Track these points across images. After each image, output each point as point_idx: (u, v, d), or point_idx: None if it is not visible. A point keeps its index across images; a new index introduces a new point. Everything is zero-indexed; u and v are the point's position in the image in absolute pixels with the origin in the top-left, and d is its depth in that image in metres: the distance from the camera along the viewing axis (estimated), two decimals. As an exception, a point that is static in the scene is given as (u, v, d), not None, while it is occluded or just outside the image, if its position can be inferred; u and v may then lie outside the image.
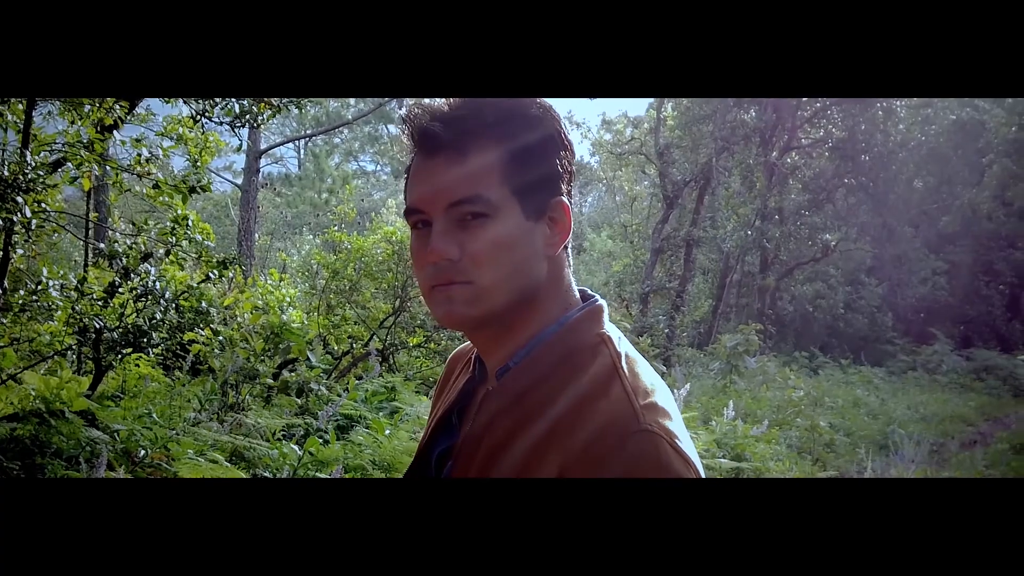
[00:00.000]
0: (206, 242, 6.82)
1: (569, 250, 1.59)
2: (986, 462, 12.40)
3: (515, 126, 1.54)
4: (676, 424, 1.41)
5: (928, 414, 17.44)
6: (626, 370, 1.45)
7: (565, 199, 1.54)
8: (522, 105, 1.58)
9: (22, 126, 5.84)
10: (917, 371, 26.00)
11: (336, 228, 11.67)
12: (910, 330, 32.75)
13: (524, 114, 1.56)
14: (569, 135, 1.59)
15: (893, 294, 33.14)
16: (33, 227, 5.65)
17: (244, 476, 5.59)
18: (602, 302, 1.60)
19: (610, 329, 1.55)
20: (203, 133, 7.06)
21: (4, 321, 6.20)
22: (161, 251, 6.74)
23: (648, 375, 1.48)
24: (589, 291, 1.63)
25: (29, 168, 5.53)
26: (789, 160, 28.75)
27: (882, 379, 23.60)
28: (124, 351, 6.55)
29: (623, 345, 1.53)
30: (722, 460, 9.34)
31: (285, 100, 7.49)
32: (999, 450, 13.42)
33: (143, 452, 5.71)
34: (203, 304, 7.08)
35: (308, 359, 8.97)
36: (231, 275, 7.58)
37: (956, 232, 34.56)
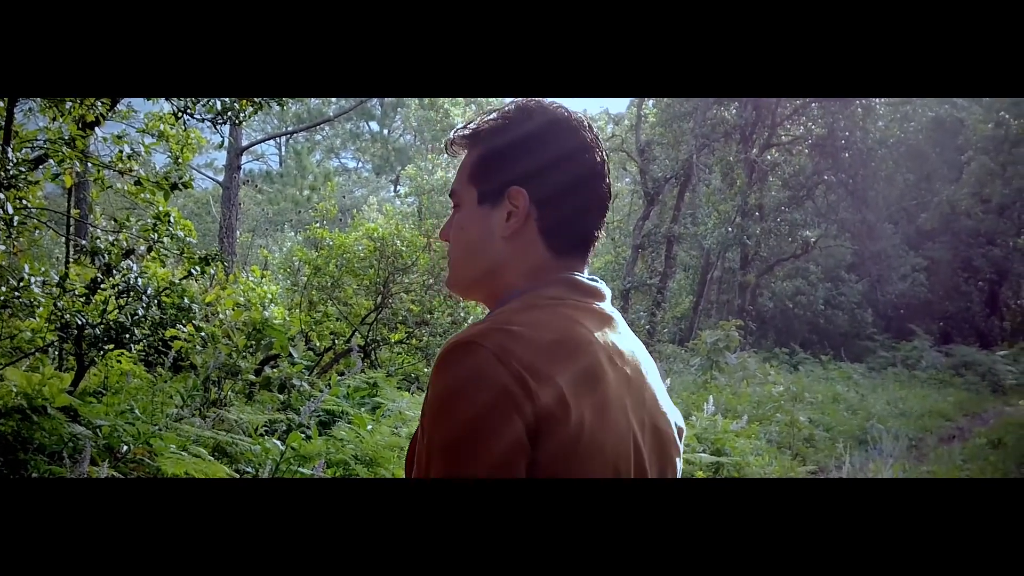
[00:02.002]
0: (188, 239, 6.82)
1: (571, 238, 1.71)
2: (964, 457, 12.47)
3: (492, 133, 1.73)
4: (539, 355, 1.46)
5: (907, 409, 17.48)
6: (520, 315, 1.57)
7: (523, 189, 1.66)
8: (507, 115, 1.74)
9: (3, 123, 5.84)
10: (896, 367, 26.04)
11: (318, 225, 11.67)
12: (890, 326, 32.87)
13: (502, 122, 1.73)
14: (574, 141, 1.71)
15: (873, 290, 33.24)
16: (15, 224, 5.65)
17: (227, 470, 5.60)
18: (543, 292, 1.65)
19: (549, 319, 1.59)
20: (185, 130, 7.07)
21: (-14, 317, 6.20)
22: (143, 248, 6.74)
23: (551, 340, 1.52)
24: (579, 278, 1.69)
25: (11, 165, 5.53)
26: (769, 157, 28.80)
27: (862, 375, 23.64)
28: (106, 347, 6.54)
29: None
30: (702, 455, 9.38)
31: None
32: (977, 445, 13.49)
33: (126, 448, 5.71)
34: (185, 300, 7.06)
35: (290, 355, 8.97)
36: (213, 272, 7.56)
37: (935, 229, 34.69)
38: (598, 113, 34.07)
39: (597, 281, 1.71)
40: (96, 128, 6.72)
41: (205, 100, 7.09)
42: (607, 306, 1.70)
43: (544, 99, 1.73)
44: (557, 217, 1.67)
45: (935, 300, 34.38)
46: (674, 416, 1.73)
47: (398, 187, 42.41)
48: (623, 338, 1.67)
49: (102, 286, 6.51)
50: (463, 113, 25.77)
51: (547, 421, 1.41)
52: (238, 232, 21.24)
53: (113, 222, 6.98)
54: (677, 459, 1.70)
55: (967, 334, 33.99)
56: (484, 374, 1.41)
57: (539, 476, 1.42)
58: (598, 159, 1.70)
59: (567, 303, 1.62)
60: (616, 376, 1.57)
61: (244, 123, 8.04)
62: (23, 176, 5.74)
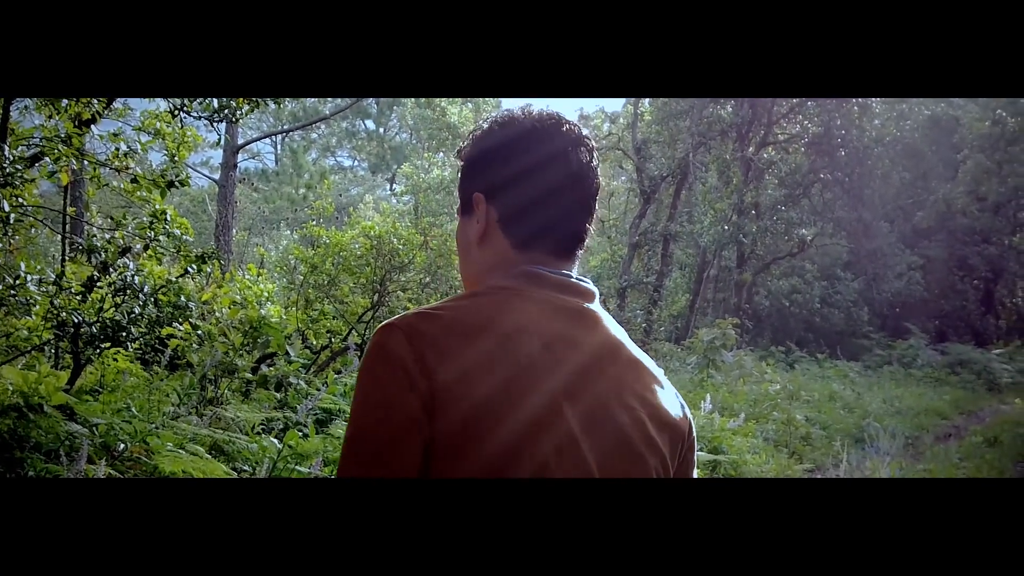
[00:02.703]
0: (184, 237, 6.80)
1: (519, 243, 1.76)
2: (960, 455, 12.50)
3: (468, 145, 1.87)
4: (448, 335, 1.56)
5: (903, 408, 17.52)
6: (450, 303, 1.66)
7: (482, 195, 1.77)
8: (479, 126, 1.87)
9: (-1, 121, 5.82)
10: (892, 365, 26.10)
11: (314, 223, 11.65)
12: (885, 325, 32.93)
13: (475, 134, 1.86)
14: (534, 149, 1.76)
15: (869, 289, 33.26)
16: (11, 221, 5.63)
17: (224, 469, 5.59)
18: (495, 283, 1.72)
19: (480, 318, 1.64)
20: (181, 128, 7.05)
21: (-18, 316, 6.18)
22: (139, 246, 6.72)
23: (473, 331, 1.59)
24: (541, 270, 1.74)
25: (7, 163, 5.51)
26: (765, 155, 28.81)
27: (858, 373, 23.70)
28: (102, 345, 6.52)
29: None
30: (700, 453, 9.39)
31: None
32: (973, 443, 13.53)
33: (122, 446, 5.70)
34: (182, 299, 7.05)
35: (287, 353, 8.96)
36: (209, 270, 7.55)
37: (931, 227, 34.76)
38: (594, 111, 34.06)
39: (574, 278, 1.74)
40: (92, 126, 6.69)
41: (201, 98, 7.08)
42: (578, 301, 1.73)
43: (530, 106, 1.79)
44: (520, 221, 1.75)
45: (931, 298, 34.44)
46: (658, 415, 1.71)
47: (394, 185, 42.46)
48: (584, 331, 1.69)
49: (98, 284, 6.49)
50: (460, 112, 25.77)
51: (443, 398, 1.49)
52: (234, 230, 21.21)
53: (109, 220, 6.96)
54: (650, 458, 1.66)
55: (963, 332, 34.04)
56: (388, 352, 1.53)
57: (438, 450, 1.49)
58: (572, 164, 1.75)
59: (517, 292, 1.68)
60: (548, 364, 1.59)
61: (240, 121, 8.03)
62: (19, 174, 5.72)
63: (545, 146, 1.74)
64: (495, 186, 1.75)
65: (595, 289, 1.77)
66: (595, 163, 1.78)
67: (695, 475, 1.81)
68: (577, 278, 1.75)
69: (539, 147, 1.74)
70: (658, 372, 1.78)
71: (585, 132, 1.77)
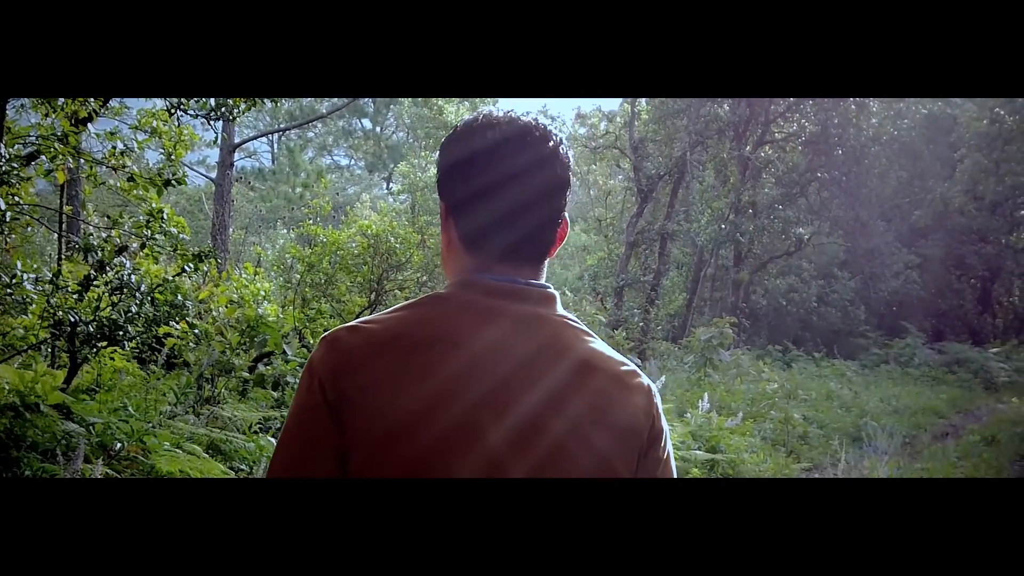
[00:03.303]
0: (181, 235, 6.79)
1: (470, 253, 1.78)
2: (958, 454, 12.50)
3: None
4: (363, 348, 1.65)
5: (900, 407, 17.53)
6: (387, 314, 1.72)
7: (443, 201, 1.80)
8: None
9: (-5, 119, 5.80)
10: (889, 364, 26.13)
11: (311, 222, 11.63)
12: (882, 323, 32.94)
13: (444, 142, 1.85)
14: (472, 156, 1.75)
15: (866, 288, 33.26)
16: (7, 220, 5.62)
17: (222, 468, 5.58)
18: (436, 292, 1.79)
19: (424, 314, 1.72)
20: (178, 126, 7.03)
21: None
22: (136, 245, 6.71)
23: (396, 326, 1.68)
24: (480, 278, 1.75)
25: (3, 161, 5.50)
26: (762, 154, 28.79)
27: (855, 372, 23.71)
28: (99, 344, 6.51)
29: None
30: (697, 452, 9.39)
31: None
32: (970, 442, 13.53)
33: (119, 445, 5.69)
34: (178, 298, 7.03)
35: (284, 352, 8.95)
36: (206, 269, 7.53)
37: (928, 226, 34.77)
38: (591, 110, 34.03)
39: (522, 283, 1.74)
40: (89, 124, 6.68)
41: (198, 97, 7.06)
42: (526, 307, 1.72)
43: (494, 109, 1.78)
44: (475, 231, 1.75)
45: (928, 297, 34.45)
46: (605, 418, 1.67)
47: (391, 184, 42.40)
48: (522, 337, 1.69)
49: (95, 283, 6.48)
50: (457, 111, 25.70)
51: (350, 409, 1.59)
52: (231, 229, 21.19)
53: (106, 219, 6.94)
54: (585, 461, 1.63)
55: (960, 331, 34.09)
56: (311, 364, 1.67)
57: (353, 458, 1.59)
58: (526, 171, 1.72)
59: (447, 300, 1.73)
60: (469, 374, 1.62)
61: (237, 119, 8.02)
62: (15, 172, 5.71)
63: (500, 155, 1.71)
64: (453, 196, 1.76)
65: (552, 293, 1.78)
66: (554, 167, 1.74)
67: (672, 473, 1.76)
68: (527, 283, 1.74)
69: (494, 156, 1.72)
70: (622, 371, 1.74)
71: (547, 134, 1.75)
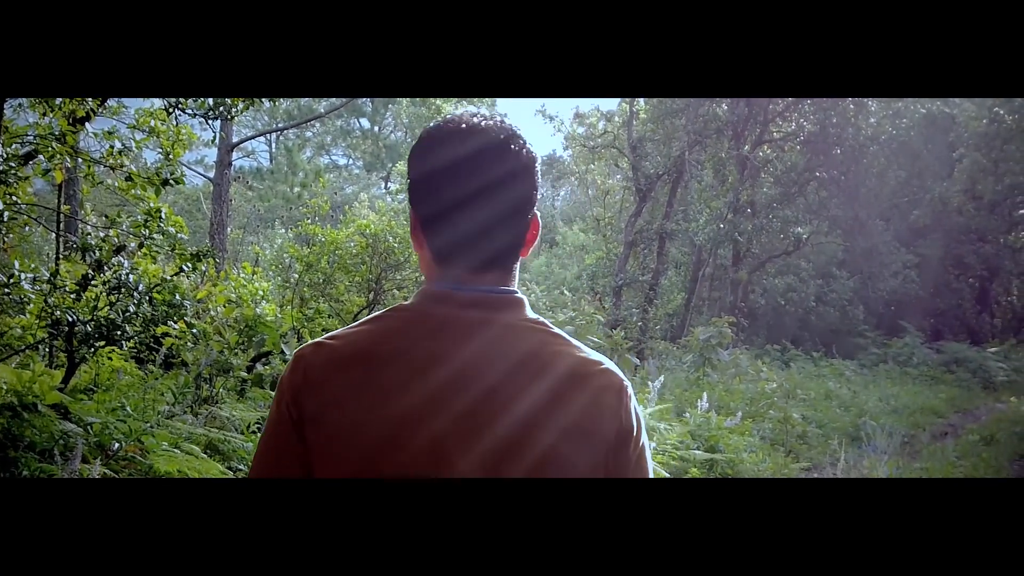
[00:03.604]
0: (179, 235, 6.78)
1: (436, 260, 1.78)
2: (957, 453, 12.50)
3: None
4: (325, 365, 1.71)
5: (899, 406, 17.53)
6: (351, 328, 1.78)
7: (412, 208, 1.79)
8: None
9: (-7, 119, 5.79)
10: (888, 364, 26.13)
11: (309, 221, 11.62)
12: (881, 323, 32.92)
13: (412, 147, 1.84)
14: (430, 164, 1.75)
15: (864, 287, 33.24)
16: (5, 220, 5.60)
17: (220, 468, 5.57)
18: (392, 308, 1.80)
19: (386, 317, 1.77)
20: (176, 126, 7.01)
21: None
22: (134, 244, 6.69)
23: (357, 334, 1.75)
24: (438, 287, 1.76)
25: (1, 160, 5.48)
26: (761, 153, 28.78)
27: (853, 371, 23.69)
28: (97, 344, 6.49)
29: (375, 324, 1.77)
30: (696, 452, 9.38)
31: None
32: (969, 442, 13.54)
33: (117, 445, 5.68)
34: (176, 297, 7.02)
35: (282, 352, 8.93)
36: (204, 268, 7.52)
37: (927, 225, 34.73)
38: (590, 110, 34.02)
39: (483, 291, 1.73)
40: (86, 123, 6.67)
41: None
42: (485, 315, 1.71)
43: (463, 112, 1.76)
44: (437, 238, 1.75)
45: (926, 297, 34.42)
46: (563, 423, 1.64)
47: (389, 184, 42.40)
48: (474, 347, 1.68)
49: (93, 282, 6.46)
50: (455, 110, 25.67)
51: (310, 424, 1.68)
52: (229, 229, 21.17)
53: (104, 218, 6.93)
54: (550, 469, 1.62)
55: (958, 331, 34.08)
56: (282, 380, 1.75)
57: (314, 470, 1.69)
58: (486, 178, 1.70)
59: (408, 313, 1.75)
60: (421, 386, 1.64)
61: (235, 119, 8.01)
62: (13, 172, 5.70)
63: (470, 169, 1.70)
64: (423, 208, 1.75)
65: (519, 298, 1.77)
66: (526, 177, 1.74)
67: (645, 473, 1.72)
68: (490, 291, 1.73)
69: (464, 170, 1.70)
70: (589, 372, 1.71)
71: (513, 138, 1.73)
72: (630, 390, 1.74)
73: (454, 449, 1.60)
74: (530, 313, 1.76)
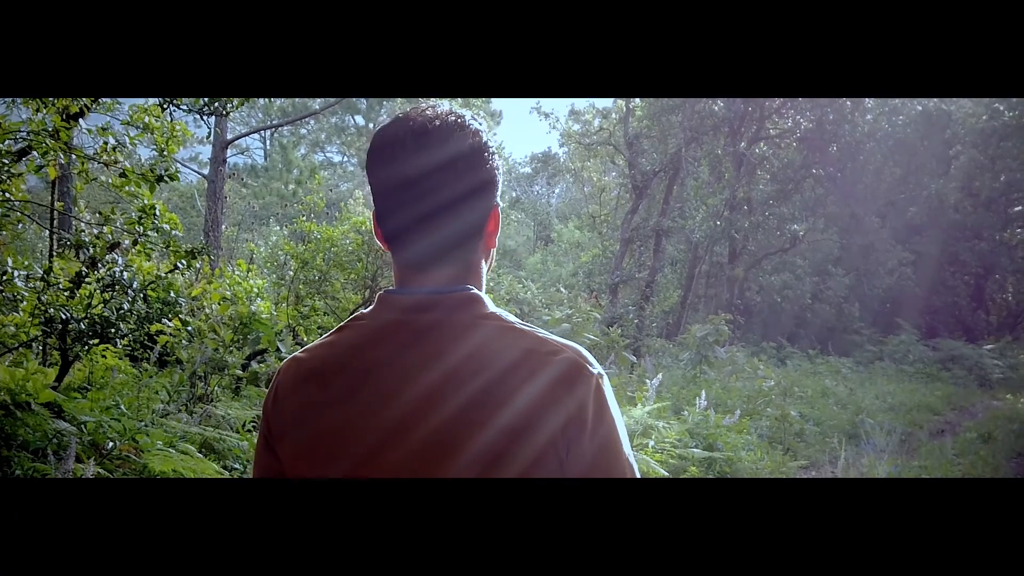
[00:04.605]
0: (174, 232, 6.74)
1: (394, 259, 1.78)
2: (955, 451, 12.51)
3: None
4: (295, 379, 1.74)
5: (896, 404, 17.58)
6: (322, 340, 1.79)
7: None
8: None
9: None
10: (884, 361, 26.20)
11: (305, 218, 11.58)
12: (877, 320, 32.98)
13: None
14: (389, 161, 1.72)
15: (860, 284, 33.30)
16: (-2, 216, 5.56)
17: (215, 467, 5.53)
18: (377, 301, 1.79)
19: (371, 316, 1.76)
20: (170, 122, 6.97)
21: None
22: (128, 241, 6.65)
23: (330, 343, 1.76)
24: (387, 293, 1.76)
25: (-7, 156, 5.44)
26: (757, 150, 28.86)
27: (850, 369, 23.75)
28: (91, 342, 6.46)
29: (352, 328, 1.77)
30: (695, 450, 9.37)
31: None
32: (967, 439, 13.55)
33: (111, 444, 5.64)
34: (171, 295, 6.99)
35: (278, 350, 8.89)
36: (199, 266, 7.49)
37: (923, 223, 34.79)
38: (585, 107, 34.06)
39: (424, 292, 1.70)
40: (80, 120, 6.62)
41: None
42: (426, 317, 1.67)
43: (417, 107, 1.73)
44: (386, 237, 1.75)
45: (922, 294, 34.47)
46: (505, 417, 1.57)
47: (384, 181, 42.43)
48: (422, 350, 1.64)
49: (86, 280, 6.43)
50: (449, 107, 25.66)
51: (278, 440, 1.75)
52: (224, 226, 21.13)
53: (98, 215, 6.89)
54: (508, 469, 1.56)
55: (954, 328, 34.12)
56: (268, 393, 1.80)
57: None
58: (425, 173, 1.65)
59: (363, 321, 1.75)
60: (369, 395, 1.64)
61: (230, 115, 7.97)
62: (6, 168, 5.65)
63: (398, 157, 1.67)
64: (376, 203, 1.74)
65: (473, 294, 1.71)
66: (466, 165, 1.68)
67: (609, 470, 1.60)
68: (438, 292, 1.69)
69: (390, 158, 1.68)
70: (546, 365, 1.62)
71: (453, 130, 1.68)
72: (592, 378, 1.63)
73: (385, 458, 1.60)
74: (489, 308, 1.71)
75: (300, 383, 1.72)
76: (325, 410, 1.66)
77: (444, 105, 1.73)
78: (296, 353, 1.80)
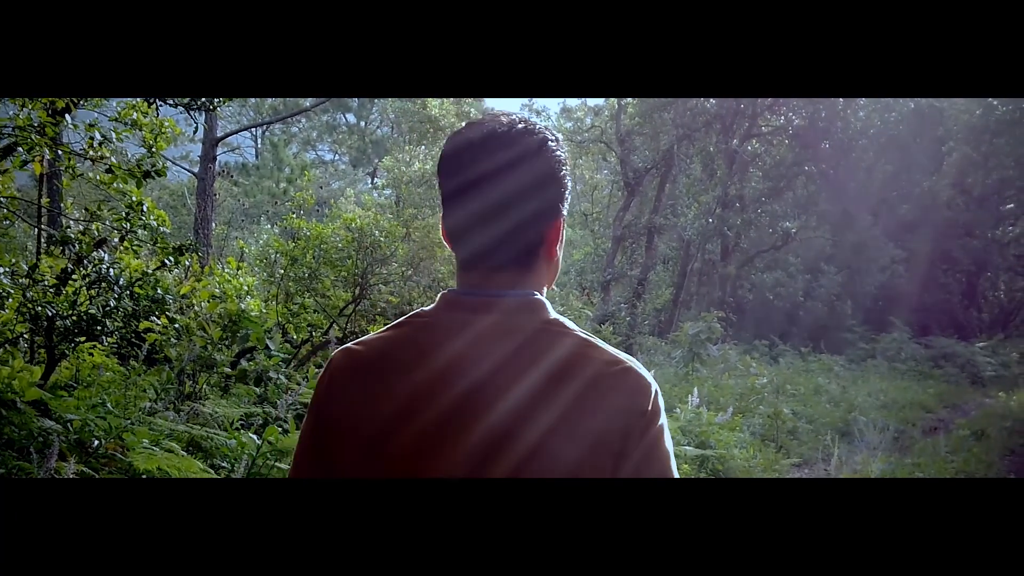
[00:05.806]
0: (162, 228, 6.70)
1: (457, 261, 1.80)
2: (948, 449, 12.52)
3: None
4: (353, 372, 1.74)
5: (888, 401, 17.61)
6: (378, 334, 1.79)
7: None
8: None
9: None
10: (876, 359, 26.24)
11: (295, 215, 11.53)
12: (869, 318, 33.01)
13: None
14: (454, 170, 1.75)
15: (852, 282, 33.35)
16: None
17: (202, 466, 5.48)
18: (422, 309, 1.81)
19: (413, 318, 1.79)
20: (158, 118, 6.92)
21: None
22: (116, 238, 6.61)
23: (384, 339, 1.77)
24: (451, 294, 1.77)
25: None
26: (750, 147, 28.89)
27: (842, 367, 23.77)
28: (77, 340, 6.42)
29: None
30: (687, 448, 9.36)
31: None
32: (960, 437, 13.56)
33: (97, 442, 5.59)
34: (159, 292, 6.94)
35: (267, 348, 8.84)
36: (188, 263, 7.44)
37: (915, 220, 34.85)
38: (577, 104, 34.06)
39: (492, 294, 1.71)
40: (67, 115, 6.56)
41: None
42: (494, 318, 1.68)
43: (491, 111, 1.81)
44: (454, 242, 1.76)
45: (914, 292, 34.51)
46: (564, 427, 1.58)
47: (375, 179, 42.43)
48: (484, 353, 1.65)
49: (73, 277, 6.37)
50: (441, 105, 25.65)
51: (331, 428, 1.73)
52: (214, 224, 21.08)
53: (85, 212, 6.84)
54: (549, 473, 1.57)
55: (946, 326, 34.15)
56: (319, 382, 1.80)
57: (335, 473, 1.72)
58: (503, 183, 1.67)
59: (424, 318, 1.75)
60: (429, 394, 1.64)
61: (218, 110, 7.93)
62: (-9, 164, 5.60)
63: (466, 158, 1.69)
64: (444, 212, 1.75)
65: (535, 299, 1.72)
66: (528, 165, 1.68)
67: (656, 471, 1.63)
68: (500, 294, 1.70)
69: (461, 159, 1.70)
70: (604, 373, 1.64)
71: (522, 132, 1.69)
72: (653, 392, 1.66)
73: (443, 455, 1.60)
74: (551, 315, 1.71)
75: (356, 374, 1.72)
76: (381, 403, 1.66)
77: (509, 112, 1.74)
78: (349, 344, 1.80)
